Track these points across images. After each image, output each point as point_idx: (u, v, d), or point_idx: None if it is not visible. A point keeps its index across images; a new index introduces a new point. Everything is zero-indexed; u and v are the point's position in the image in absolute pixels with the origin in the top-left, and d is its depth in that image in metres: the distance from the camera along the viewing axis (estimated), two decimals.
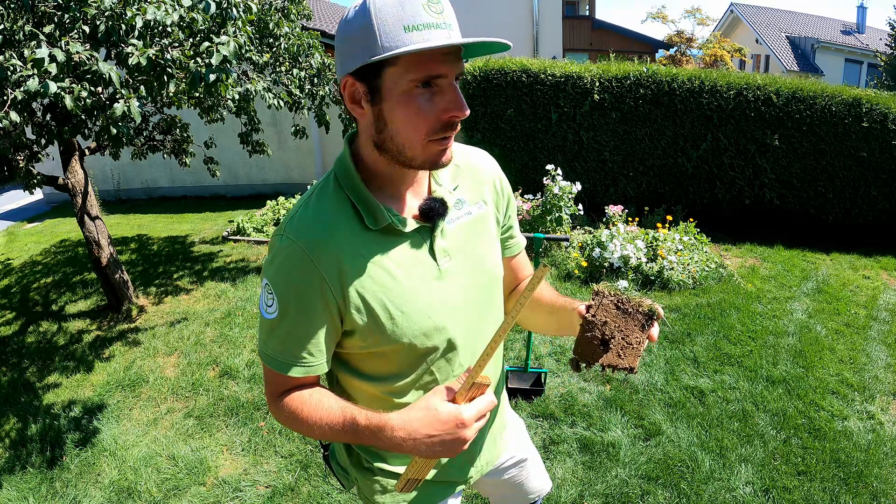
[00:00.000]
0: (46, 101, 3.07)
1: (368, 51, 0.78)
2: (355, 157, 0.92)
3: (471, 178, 1.03)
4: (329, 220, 0.88)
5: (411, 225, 0.91)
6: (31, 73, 2.07)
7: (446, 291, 0.95)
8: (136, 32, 2.32)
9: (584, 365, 0.91)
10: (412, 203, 0.94)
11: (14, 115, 2.16)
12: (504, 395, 1.23)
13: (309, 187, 0.98)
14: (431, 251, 0.93)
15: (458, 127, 0.85)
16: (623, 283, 4.14)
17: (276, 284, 0.89)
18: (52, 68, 2.08)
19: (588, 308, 0.91)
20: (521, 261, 1.19)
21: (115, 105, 2.32)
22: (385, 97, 0.81)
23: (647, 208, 5.87)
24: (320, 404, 0.92)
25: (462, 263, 0.97)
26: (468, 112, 0.83)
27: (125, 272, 4.21)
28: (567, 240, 2.82)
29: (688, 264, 4.47)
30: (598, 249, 4.46)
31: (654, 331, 0.89)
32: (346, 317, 0.89)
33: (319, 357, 0.92)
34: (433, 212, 0.92)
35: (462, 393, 0.82)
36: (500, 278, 1.06)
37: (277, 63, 3.95)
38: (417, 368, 0.96)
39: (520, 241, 1.17)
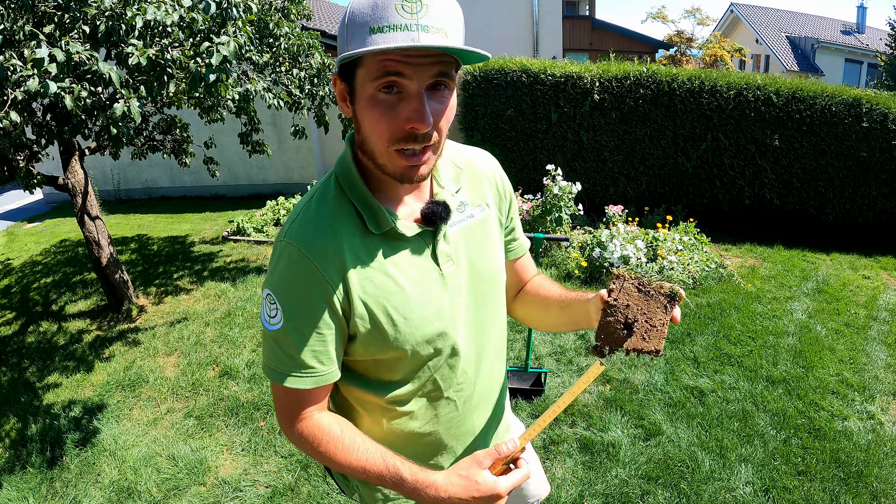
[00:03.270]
0: (46, 101, 3.08)
1: (341, 52, 0.78)
2: (356, 158, 0.90)
3: (472, 179, 1.01)
4: (331, 223, 0.86)
5: (414, 229, 0.89)
6: (31, 73, 2.07)
7: (449, 296, 0.93)
8: (136, 32, 2.32)
9: (607, 350, 0.88)
10: (414, 206, 0.92)
11: (14, 115, 2.16)
12: (507, 399, 1.21)
13: (309, 188, 0.96)
14: (434, 256, 0.92)
15: (429, 141, 0.80)
16: None
17: (280, 292, 0.86)
18: (52, 68, 2.08)
19: (610, 292, 0.89)
20: (525, 263, 1.17)
21: (115, 105, 2.32)
22: (357, 98, 0.81)
23: (647, 208, 5.87)
24: (354, 445, 0.90)
25: (465, 268, 0.95)
26: (428, 125, 0.77)
27: (125, 272, 4.21)
28: (567, 240, 2.82)
29: (688, 264, 4.47)
30: (598, 249, 4.46)
31: (677, 312, 0.87)
32: (350, 321, 0.87)
33: (329, 365, 0.89)
34: (436, 216, 0.90)
35: (502, 461, 0.88)
36: (502, 282, 1.05)
37: (277, 63, 3.94)
38: (420, 376, 0.95)
39: (523, 242, 1.15)
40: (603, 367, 0.87)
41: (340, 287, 0.85)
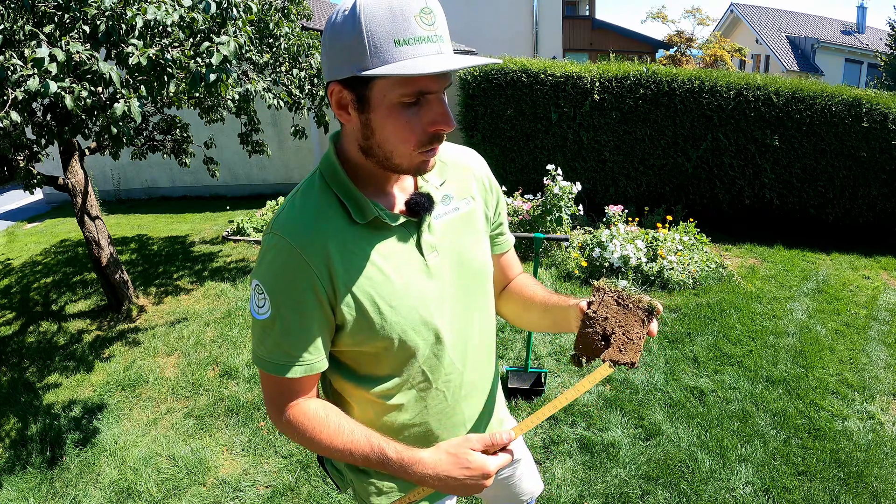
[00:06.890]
0: (47, 100, 3.07)
1: (357, 63, 0.77)
2: (340, 154, 0.92)
3: (458, 174, 1.04)
4: (316, 215, 0.89)
5: (398, 219, 0.92)
6: (31, 72, 2.07)
7: (434, 286, 0.95)
8: (137, 32, 2.32)
9: (584, 360, 0.92)
10: (399, 198, 0.95)
11: (14, 115, 2.15)
12: (500, 393, 1.23)
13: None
14: (418, 246, 0.94)
15: (445, 137, 0.86)
16: (623, 284, 4.13)
17: (267, 282, 0.88)
18: (53, 68, 2.08)
19: (589, 304, 0.92)
20: (510, 259, 1.20)
21: (116, 105, 2.32)
22: (373, 107, 0.81)
23: (647, 208, 5.87)
24: (340, 428, 0.92)
25: (449, 258, 0.98)
26: (454, 126, 0.83)
27: (125, 272, 4.20)
28: (567, 240, 2.82)
29: (688, 264, 4.47)
30: (598, 249, 4.46)
31: (654, 326, 0.90)
32: (336, 310, 0.89)
33: (316, 354, 0.91)
34: (419, 206, 0.93)
35: (494, 448, 0.90)
36: (488, 274, 1.07)
37: (277, 63, 3.94)
38: (409, 367, 0.96)
39: (508, 238, 1.18)
40: (611, 370, 0.89)
41: (326, 277, 0.87)
